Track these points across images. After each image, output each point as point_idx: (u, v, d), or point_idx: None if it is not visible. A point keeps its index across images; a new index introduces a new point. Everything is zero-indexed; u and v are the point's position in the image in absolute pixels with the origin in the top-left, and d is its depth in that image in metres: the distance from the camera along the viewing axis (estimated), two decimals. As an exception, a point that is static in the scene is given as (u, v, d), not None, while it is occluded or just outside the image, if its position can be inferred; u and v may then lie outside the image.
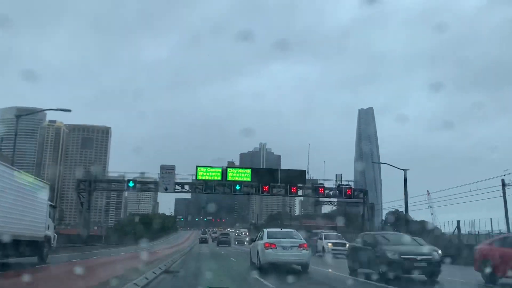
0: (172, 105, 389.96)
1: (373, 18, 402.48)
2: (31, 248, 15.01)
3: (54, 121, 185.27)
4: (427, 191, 49.65)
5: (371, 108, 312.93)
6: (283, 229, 18.77)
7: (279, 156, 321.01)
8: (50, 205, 17.63)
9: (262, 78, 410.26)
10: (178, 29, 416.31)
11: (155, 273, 12.73)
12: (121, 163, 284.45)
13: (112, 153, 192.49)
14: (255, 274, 13.29)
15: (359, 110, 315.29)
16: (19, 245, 13.63)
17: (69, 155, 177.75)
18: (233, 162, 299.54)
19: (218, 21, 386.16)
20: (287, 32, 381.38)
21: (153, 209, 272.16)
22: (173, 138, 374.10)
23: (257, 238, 17.01)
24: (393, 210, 62.53)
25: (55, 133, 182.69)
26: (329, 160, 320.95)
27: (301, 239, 15.84)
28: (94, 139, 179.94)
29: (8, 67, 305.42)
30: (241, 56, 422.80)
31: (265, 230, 16.99)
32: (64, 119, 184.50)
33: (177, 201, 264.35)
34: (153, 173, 45.82)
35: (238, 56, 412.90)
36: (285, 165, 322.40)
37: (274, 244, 14.80)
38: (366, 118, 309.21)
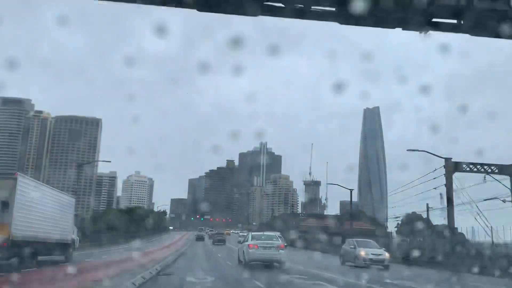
0: (168, 101, 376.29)
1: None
2: (61, 248, 18.72)
3: (41, 112, 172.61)
4: (440, 194, 40.60)
5: (377, 108, 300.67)
6: (265, 233, 22.32)
7: (280, 156, 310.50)
8: (75, 214, 22.75)
9: (262, 76, 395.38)
10: (173, 23, 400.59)
11: None
12: (112, 159, 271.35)
13: (104, 149, 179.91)
14: None
15: (365, 110, 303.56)
16: (55, 246, 17.72)
17: (55, 148, 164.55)
18: (233, 161, 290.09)
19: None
20: (289, 26, 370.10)
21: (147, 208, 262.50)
22: (169, 137, 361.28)
23: (243, 240, 20.46)
24: (409, 213, 57.50)
25: (41, 124, 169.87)
26: (333, 161, 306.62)
27: (279, 241, 19.19)
28: (83, 131, 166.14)
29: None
30: (239, 52, 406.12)
31: (250, 233, 21.28)
32: (53, 111, 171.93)
33: (173, 202, 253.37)
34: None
35: (236, 52, 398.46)
36: (286, 169, 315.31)
37: (257, 245, 17.95)
38: (371, 118, 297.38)
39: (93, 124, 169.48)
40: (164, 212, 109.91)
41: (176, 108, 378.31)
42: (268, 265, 18.09)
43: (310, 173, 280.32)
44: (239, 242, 23.01)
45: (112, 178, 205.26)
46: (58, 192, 19.89)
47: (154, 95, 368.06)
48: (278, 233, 23.50)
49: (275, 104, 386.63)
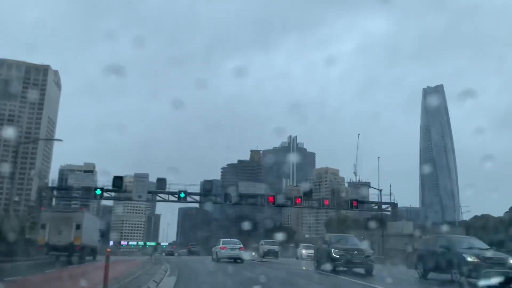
0: (179, 90, 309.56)
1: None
2: (92, 251, 29.25)
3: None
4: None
5: (441, 86, 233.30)
6: (231, 239, 30.10)
7: (313, 154, 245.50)
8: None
9: (291, 56, 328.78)
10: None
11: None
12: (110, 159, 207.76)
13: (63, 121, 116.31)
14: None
15: (424, 89, 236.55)
16: (91, 250, 28.77)
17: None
18: (259, 151, 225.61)
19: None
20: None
21: (147, 220, 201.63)
22: (178, 135, 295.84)
23: (216, 245, 29.05)
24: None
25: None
26: (384, 157, 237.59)
27: (241, 245, 27.32)
28: (21, 82, 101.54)
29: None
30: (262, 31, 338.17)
31: (221, 240, 29.06)
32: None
33: (181, 211, 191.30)
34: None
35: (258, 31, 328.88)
36: (320, 164, 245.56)
37: (226, 247, 26.59)
38: (434, 99, 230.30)
39: (39, 73, 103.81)
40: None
41: (182, 96, 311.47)
42: (233, 261, 25.78)
43: (355, 172, 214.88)
44: (213, 246, 31.31)
45: (89, 173, 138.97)
46: (94, 216, 40.43)
47: (161, 83, 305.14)
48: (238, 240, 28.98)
49: (307, 91, 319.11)
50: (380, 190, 58.60)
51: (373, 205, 45.75)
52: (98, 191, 40.11)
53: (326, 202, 44.76)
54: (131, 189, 40.73)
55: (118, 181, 39.70)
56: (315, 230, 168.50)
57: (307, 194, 45.34)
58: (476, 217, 74.56)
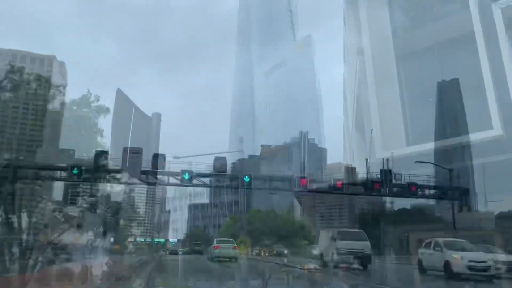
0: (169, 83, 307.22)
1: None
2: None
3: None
4: None
5: (456, 80, 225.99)
6: (225, 239, 31.95)
7: (325, 150, 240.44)
8: None
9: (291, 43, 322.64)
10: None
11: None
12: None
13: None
14: None
15: (439, 83, 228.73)
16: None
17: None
18: (270, 146, 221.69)
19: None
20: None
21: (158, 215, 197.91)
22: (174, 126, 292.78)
23: (210, 244, 30.82)
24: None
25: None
26: (399, 153, 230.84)
27: (234, 244, 29.47)
28: (24, 72, 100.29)
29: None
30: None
31: (215, 239, 31.21)
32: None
33: (191, 207, 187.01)
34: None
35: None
36: (332, 160, 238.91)
37: (219, 246, 27.82)
38: (449, 96, 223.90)
39: (41, 64, 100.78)
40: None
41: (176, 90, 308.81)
42: (227, 259, 26.46)
43: (368, 168, 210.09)
44: (208, 245, 33.15)
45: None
46: (93, 214, 35.01)
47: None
48: (232, 240, 30.68)
49: (318, 87, 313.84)
50: (450, 170, 45.38)
51: (436, 190, 36.77)
52: (76, 171, 30.46)
53: (377, 186, 35.37)
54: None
55: (100, 156, 30.97)
56: (328, 225, 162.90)
57: (351, 175, 36.60)
58: (502, 213, 68.30)
